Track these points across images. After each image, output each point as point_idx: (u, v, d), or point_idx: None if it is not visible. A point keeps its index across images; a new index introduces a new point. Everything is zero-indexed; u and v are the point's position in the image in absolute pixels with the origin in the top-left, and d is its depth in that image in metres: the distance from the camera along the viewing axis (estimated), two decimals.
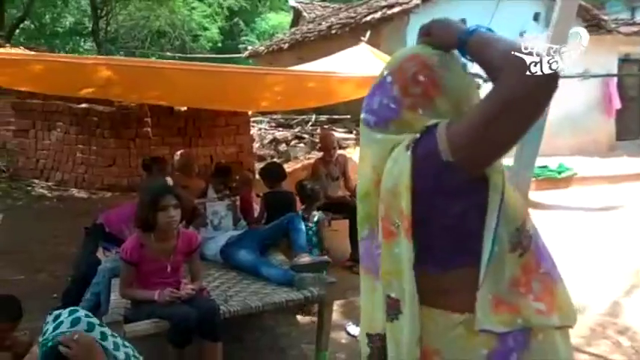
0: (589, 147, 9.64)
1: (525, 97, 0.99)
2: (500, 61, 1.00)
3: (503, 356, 1.13)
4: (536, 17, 9.42)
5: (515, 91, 0.99)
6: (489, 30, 1.10)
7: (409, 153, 1.14)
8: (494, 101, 1.03)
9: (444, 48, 1.19)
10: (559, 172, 7.97)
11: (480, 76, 1.33)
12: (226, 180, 4.21)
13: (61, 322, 1.52)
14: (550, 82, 0.98)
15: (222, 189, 4.09)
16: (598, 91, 10.13)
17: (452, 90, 1.19)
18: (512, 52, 0.98)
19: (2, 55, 3.21)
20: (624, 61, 10.49)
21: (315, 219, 3.89)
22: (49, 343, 1.48)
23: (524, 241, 1.17)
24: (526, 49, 0.98)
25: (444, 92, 1.18)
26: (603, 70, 8.63)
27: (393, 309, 1.20)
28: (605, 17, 10.13)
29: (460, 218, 1.14)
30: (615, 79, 10.11)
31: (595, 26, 9.81)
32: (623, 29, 10.15)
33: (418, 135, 1.16)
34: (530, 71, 0.96)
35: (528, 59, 0.96)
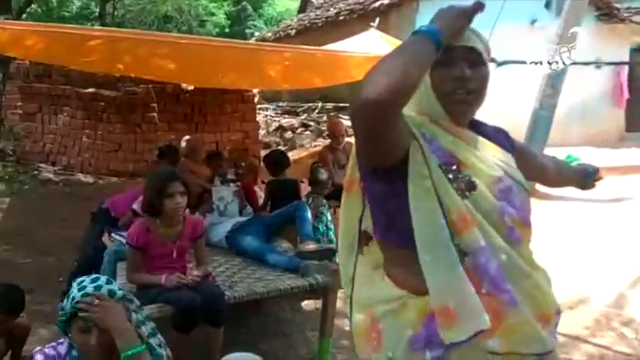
0: (598, 138, 9.54)
1: (355, 121, 1.11)
2: (364, 79, 1.06)
3: (423, 342, 1.16)
4: (547, 5, 9.28)
5: (353, 113, 1.11)
6: (431, 36, 1.10)
7: None
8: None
9: None
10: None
11: (494, 60, 1.31)
12: (218, 163, 4.24)
13: (85, 285, 1.60)
14: (370, 122, 1.07)
15: (223, 172, 4.13)
16: (608, 81, 10.00)
17: None
18: (366, 78, 1.05)
19: (9, 24, 3.19)
20: (636, 50, 10.32)
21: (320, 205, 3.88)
22: (77, 305, 1.55)
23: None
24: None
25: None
26: (615, 60, 8.52)
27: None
28: (618, 6, 9.95)
29: (380, 200, 1.24)
30: (626, 69, 9.96)
31: (607, 15, 9.67)
32: (635, 18, 9.98)
33: None
34: (359, 110, 1.06)
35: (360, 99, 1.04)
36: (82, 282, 1.62)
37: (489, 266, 1.15)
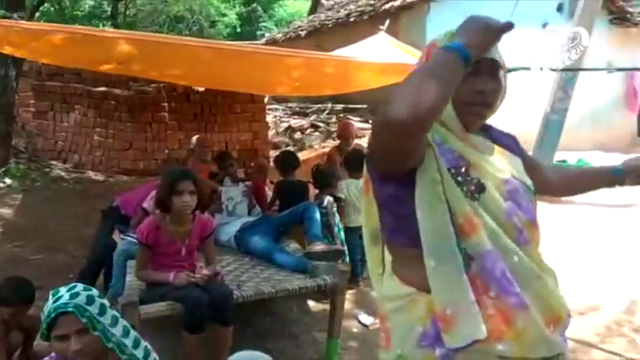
0: (610, 142, 9.46)
1: (380, 136, 1.12)
2: (392, 95, 1.06)
3: (432, 339, 1.17)
4: (559, 8, 9.23)
5: (377, 128, 1.13)
6: (461, 53, 1.08)
7: None
8: (373, 123, 1.16)
9: None
10: (578, 167, 7.85)
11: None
12: (226, 163, 4.25)
13: (61, 295, 1.57)
14: (397, 137, 1.06)
15: (232, 172, 4.14)
16: (620, 85, 9.91)
17: None
18: (397, 95, 1.03)
19: (23, 25, 3.21)
20: None
21: (324, 204, 3.85)
22: (52, 314, 1.53)
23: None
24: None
25: None
26: (628, 64, 8.45)
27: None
28: (631, 9, 9.87)
29: (389, 202, 1.24)
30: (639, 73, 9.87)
31: (620, 19, 9.58)
32: None
33: None
34: (387, 126, 1.06)
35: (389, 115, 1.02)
36: (57, 292, 1.58)
37: (496, 270, 1.15)
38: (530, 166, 1.39)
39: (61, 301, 1.54)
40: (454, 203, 1.16)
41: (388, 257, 1.32)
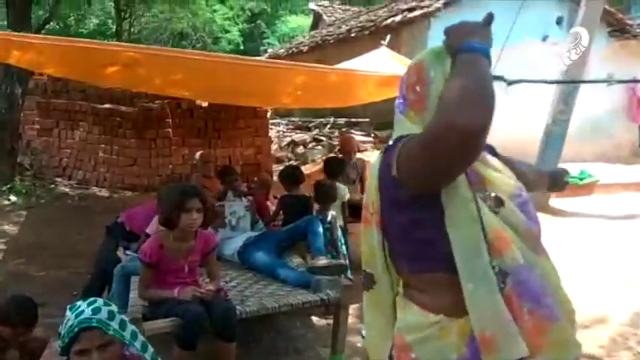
0: (612, 154, 9.46)
1: (442, 149, 1.04)
2: (447, 104, 1.04)
3: None
4: (559, 21, 9.29)
5: (437, 141, 1.05)
6: (484, 52, 1.10)
7: (380, 156, 1.25)
8: (425, 136, 1.09)
9: (451, 53, 1.20)
10: (581, 179, 7.83)
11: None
12: (233, 177, 4.29)
13: (82, 310, 1.57)
14: (464, 149, 1.03)
15: (236, 186, 4.16)
16: (621, 97, 9.94)
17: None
18: (459, 105, 1.01)
19: (28, 38, 3.26)
20: None
21: (328, 219, 3.87)
22: (75, 329, 1.53)
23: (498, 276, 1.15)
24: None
25: (428, 108, 1.22)
26: (627, 76, 8.48)
27: (368, 281, 1.36)
28: (630, 22, 9.93)
29: (408, 229, 1.20)
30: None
31: (619, 31, 9.64)
32: None
33: (391, 142, 1.24)
34: (450, 135, 1.01)
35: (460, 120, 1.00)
36: (77, 307, 1.58)
37: (529, 283, 1.14)
38: (510, 166, 1.37)
39: (84, 315, 1.55)
40: (485, 220, 1.14)
41: (400, 287, 1.29)
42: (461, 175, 1.13)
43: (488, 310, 1.12)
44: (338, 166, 4.48)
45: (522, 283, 1.13)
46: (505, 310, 1.12)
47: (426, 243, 1.18)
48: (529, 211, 1.22)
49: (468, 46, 1.10)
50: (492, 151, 1.38)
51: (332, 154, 4.61)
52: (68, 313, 1.58)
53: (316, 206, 3.97)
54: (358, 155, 5.07)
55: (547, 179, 1.66)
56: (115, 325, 1.58)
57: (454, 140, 1.01)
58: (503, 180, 1.23)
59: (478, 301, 1.13)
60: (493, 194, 1.17)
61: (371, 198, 1.28)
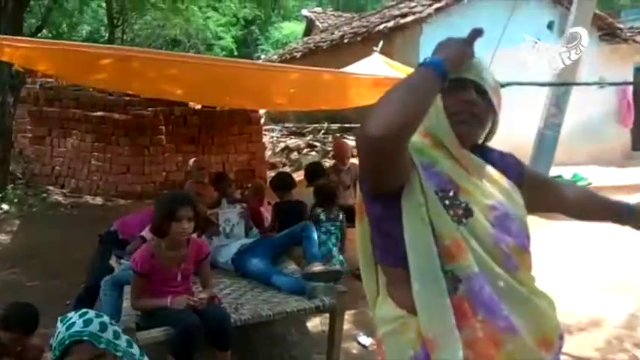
0: (604, 157, 9.51)
1: (359, 151, 1.10)
2: (370, 111, 1.06)
3: None
4: (550, 26, 9.36)
5: (356, 143, 1.12)
6: (435, 66, 1.12)
7: None
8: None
9: None
10: (573, 182, 7.88)
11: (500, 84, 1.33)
12: (227, 184, 4.32)
13: (73, 322, 1.55)
14: (372, 153, 1.07)
15: (230, 193, 4.16)
16: (613, 100, 10.02)
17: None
18: (371, 111, 1.05)
19: (21, 42, 3.25)
20: None
21: (340, 217, 3.89)
22: (66, 342, 1.51)
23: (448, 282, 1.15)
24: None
25: None
26: (618, 80, 8.55)
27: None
28: (621, 26, 10.03)
29: (378, 221, 1.25)
30: (632, 88, 9.98)
31: (610, 35, 9.73)
32: (638, 38, 10.04)
33: None
34: (362, 143, 1.07)
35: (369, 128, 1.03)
36: (69, 319, 1.56)
37: (483, 293, 1.14)
38: (538, 184, 1.37)
39: (75, 328, 1.53)
40: (440, 226, 1.15)
41: (383, 279, 1.31)
42: (414, 178, 1.17)
43: (433, 312, 1.14)
44: (316, 169, 4.66)
45: (475, 292, 1.13)
46: (450, 315, 1.13)
47: (391, 237, 1.21)
48: (506, 226, 1.21)
49: (423, 61, 1.13)
50: (514, 163, 1.38)
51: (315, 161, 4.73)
52: (59, 325, 1.57)
53: (319, 209, 4.00)
54: (352, 160, 5.08)
55: (623, 212, 1.52)
56: (107, 336, 1.56)
57: (361, 144, 1.07)
58: (482, 192, 1.23)
59: (424, 302, 1.15)
60: (464, 204, 1.18)
61: (358, 191, 1.34)
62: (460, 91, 1.23)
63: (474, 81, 1.24)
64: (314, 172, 4.70)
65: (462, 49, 1.19)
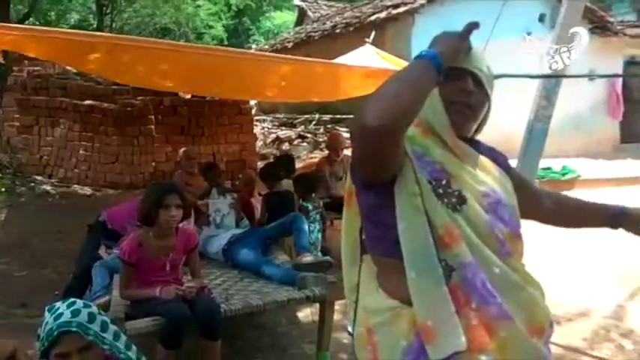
0: (593, 149, 9.60)
1: (353, 141, 1.13)
2: (366, 101, 1.06)
3: (416, 353, 1.16)
4: (541, 18, 9.38)
5: (351, 133, 1.14)
6: (430, 58, 1.12)
7: None
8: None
9: None
10: (563, 174, 7.94)
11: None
12: (216, 174, 4.28)
13: (61, 313, 1.53)
14: (366, 144, 1.09)
15: (220, 183, 4.15)
16: (603, 93, 10.10)
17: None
18: (367, 102, 1.05)
19: (12, 29, 3.20)
20: (630, 63, 10.44)
21: (320, 203, 3.95)
22: (54, 333, 1.49)
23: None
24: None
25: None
26: (608, 72, 8.62)
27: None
28: (611, 19, 10.08)
29: (371, 211, 1.25)
30: (620, 81, 10.06)
31: (601, 28, 9.77)
32: (629, 31, 10.11)
33: None
34: (358, 133, 1.08)
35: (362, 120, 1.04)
36: (56, 309, 1.53)
37: (476, 281, 1.15)
38: (520, 185, 1.38)
39: (63, 319, 1.50)
40: (434, 215, 1.16)
41: (373, 269, 1.31)
42: (408, 168, 1.17)
43: (431, 300, 1.14)
44: (310, 183, 4.31)
45: (468, 279, 1.15)
46: (449, 302, 1.13)
47: (385, 227, 1.21)
48: (499, 213, 1.22)
49: (419, 54, 1.14)
50: (502, 157, 1.40)
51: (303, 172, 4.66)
52: (47, 315, 1.54)
53: (305, 202, 4.00)
54: (345, 152, 5.08)
55: (616, 215, 1.46)
56: (95, 327, 1.54)
57: (357, 134, 1.08)
58: (474, 179, 1.24)
59: (421, 290, 1.15)
60: (457, 192, 1.19)
61: (348, 180, 1.33)
62: (457, 81, 1.24)
63: (471, 71, 1.25)
64: (307, 184, 4.35)
65: (457, 42, 1.19)
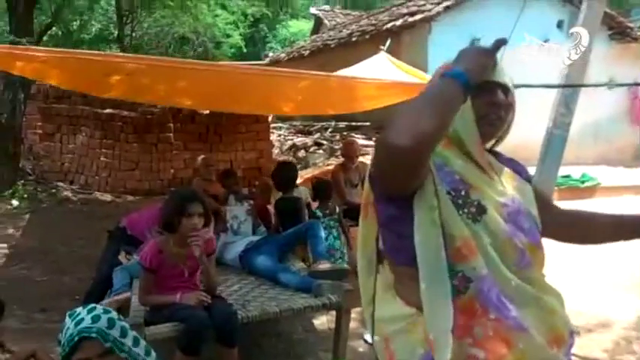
0: (613, 157, 9.44)
1: (378, 158, 1.16)
2: (394, 118, 1.07)
3: None
4: (559, 25, 9.30)
5: (376, 150, 1.16)
6: (456, 77, 1.11)
7: None
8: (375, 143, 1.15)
9: None
10: (582, 182, 7.82)
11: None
12: (233, 181, 4.32)
13: (82, 318, 1.55)
14: (393, 163, 1.08)
15: (237, 189, 4.19)
16: (623, 100, 9.93)
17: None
18: (396, 121, 1.05)
19: (34, 51, 3.29)
20: None
21: (337, 210, 3.98)
22: (75, 338, 1.52)
23: (456, 282, 1.16)
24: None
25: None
26: (628, 79, 8.48)
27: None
28: (631, 25, 9.94)
29: (391, 221, 1.25)
30: None
31: (620, 34, 9.65)
32: None
33: None
34: (385, 152, 1.08)
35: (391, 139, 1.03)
36: (77, 315, 1.56)
37: (492, 294, 1.15)
38: (541, 199, 1.36)
39: (84, 324, 1.53)
40: (452, 227, 1.16)
41: (390, 277, 1.32)
42: (428, 180, 1.17)
43: (435, 313, 1.15)
44: (327, 190, 4.28)
45: (484, 292, 1.15)
46: (450, 317, 1.13)
47: (404, 237, 1.21)
48: (519, 222, 1.22)
49: (445, 72, 1.14)
50: (522, 168, 1.39)
51: (320, 177, 4.66)
52: (68, 320, 1.57)
53: (315, 204, 4.02)
54: (360, 159, 5.08)
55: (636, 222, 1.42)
56: (115, 333, 1.56)
57: (382, 153, 1.09)
58: (494, 189, 1.24)
59: (429, 301, 1.16)
60: (476, 202, 1.19)
61: (366, 189, 1.33)
62: (487, 94, 1.24)
63: (500, 83, 1.26)
64: (324, 190, 4.31)
65: (484, 59, 1.19)
